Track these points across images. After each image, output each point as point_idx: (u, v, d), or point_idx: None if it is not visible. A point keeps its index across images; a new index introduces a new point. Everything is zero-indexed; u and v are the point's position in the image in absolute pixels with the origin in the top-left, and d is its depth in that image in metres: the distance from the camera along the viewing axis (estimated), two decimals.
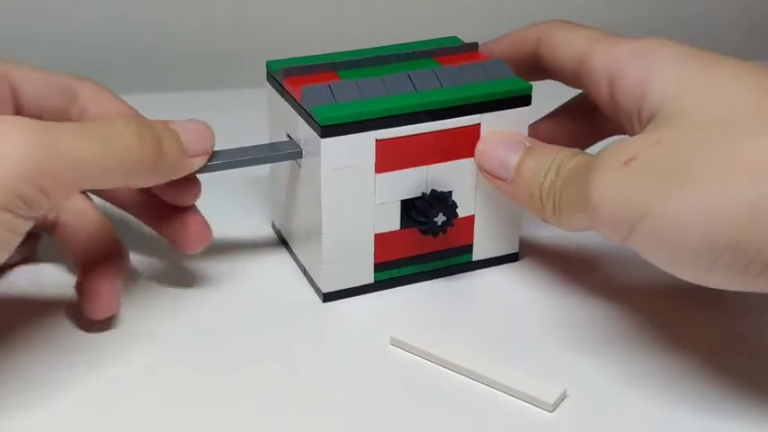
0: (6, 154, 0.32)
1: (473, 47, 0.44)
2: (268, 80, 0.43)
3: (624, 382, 0.37)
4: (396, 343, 0.39)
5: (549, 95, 0.44)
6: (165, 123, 0.39)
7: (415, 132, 0.39)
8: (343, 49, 0.44)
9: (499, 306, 0.41)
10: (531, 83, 0.41)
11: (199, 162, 0.39)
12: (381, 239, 0.41)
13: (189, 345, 0.39)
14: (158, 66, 0.49)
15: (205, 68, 0.48)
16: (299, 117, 0.40)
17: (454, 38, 0.46)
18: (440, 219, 0.40)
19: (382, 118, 0.38)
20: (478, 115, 0.40)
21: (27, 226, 0.33)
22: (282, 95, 0.42)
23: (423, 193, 0.40)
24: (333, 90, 0.39)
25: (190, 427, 0.34)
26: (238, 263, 0.44)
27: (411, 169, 0.40)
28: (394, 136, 0.39)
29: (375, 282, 0.42)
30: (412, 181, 0.40)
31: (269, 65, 0.43)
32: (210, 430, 0.34)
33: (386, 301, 0.41)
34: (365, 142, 0.39)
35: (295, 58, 0.43)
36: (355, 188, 0.39)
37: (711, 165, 0.32)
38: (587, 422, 0.35)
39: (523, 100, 0.40)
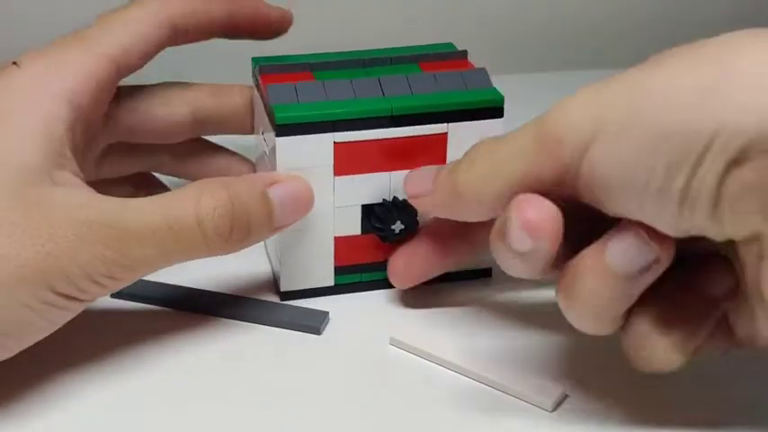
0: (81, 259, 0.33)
1: (462, 55, 0.43)
2: (252, 77, 0.43)
3: (623, 383, 0.36)
4: (395, 343, 0.39)
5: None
6: (265, 197, 0.37)
7: (377, 137, 0.39)
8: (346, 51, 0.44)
9: (495, 308, 0.41)
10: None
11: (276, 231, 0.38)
12: (342, 243, 0.41)
13: (179, 345, 0.39)
14: (158, 65, 0.50)
15: (205, 68, 0.49)
16: (266, 115, 0.40)
17: (449, 44, 0.45)
18: (398, 227, 0.40)
19: (341, 120, 0.38)
20: (445, 124, 0.39)
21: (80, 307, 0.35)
22: (258, 93, 0.42)
23: (384, 200, 0.40)
24: (297, 90, 0.39)
25: (183, 427, 0.35)
26: (226, 262, 0.42)
27: (373, 174, 0.39)
28: (353, 139, 0.39)
29: (336, 285, 0.41)
30: (374, 186, 0.40)
31: (254, 61, 0.43)
32: (204, 430, 0.35)
33: (382, 301, 0.41)
34: (323, 144, 0.38)
35: (279, 57, 0.43)
36: (314, 190, 0.39)
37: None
38: (587, 422, 0.34)
39: (495, 112, 0.39)
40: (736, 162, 0.28)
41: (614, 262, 0.29)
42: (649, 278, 0.29)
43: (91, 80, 0.38)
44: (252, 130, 0.45)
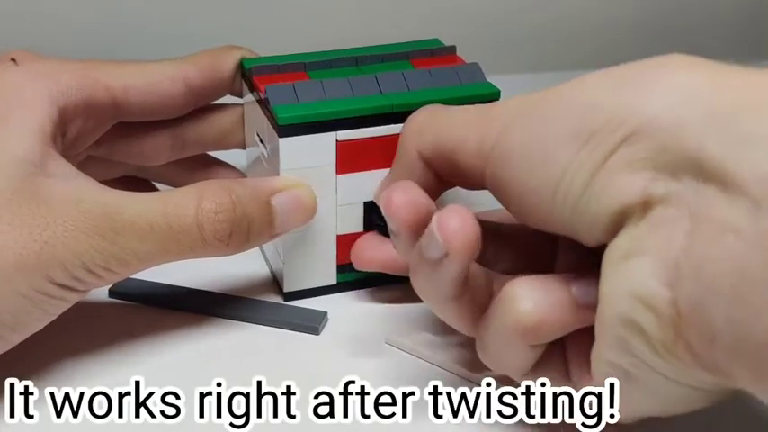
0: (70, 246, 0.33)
1: (451, 50, 0.44)
2: (242, 78, 0.43)
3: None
4: (391, 342, 0.39)
5: None
6: (268, 206, 0.37)
7: (379, 134, 0.39)
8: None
9: None
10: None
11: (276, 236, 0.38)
12: (344, 241, 0.41)
13: (178, 344, 0.39)
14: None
15: None
16: (264, 116, 0.40)
17: (435, 40, 0.45)
18: None
19: (343, 119, 0.38)
20: None
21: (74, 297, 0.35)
22: (252, 94, 0.42)
23: None
24: (296, 89, 0.39)
25: (182, 425, 0.35)
26: (226, 262, 0.42)
27: (375, 171, 0.40)
28: (356, 137, 0.39)
29: (338, 283, 0.41)
30: (376, 183, 0.40)
31: (243, 63, 0.43)
32: (203, 428, 0.34)
33: (379, 301, 0.41)
34: (325, 143, 0.38)
35: (269, 57, 0.43)
36: (316, 189, 0.39)
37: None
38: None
39: None
40: (625, 140, 0.28)
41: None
42: None
43: (81, 95, 0.38)
44: (243, 146, 0.45)
